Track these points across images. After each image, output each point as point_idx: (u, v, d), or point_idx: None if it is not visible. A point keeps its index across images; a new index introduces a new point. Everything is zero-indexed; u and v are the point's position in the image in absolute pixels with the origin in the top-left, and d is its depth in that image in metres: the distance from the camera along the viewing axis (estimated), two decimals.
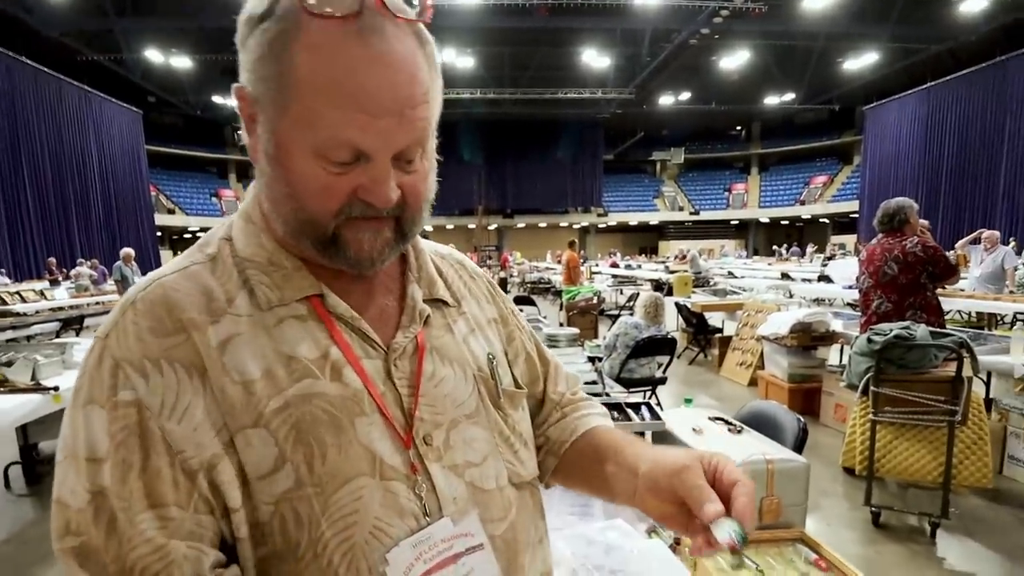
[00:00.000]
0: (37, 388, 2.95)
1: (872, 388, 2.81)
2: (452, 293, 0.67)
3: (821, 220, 31.53)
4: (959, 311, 6.25)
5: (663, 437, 1.81)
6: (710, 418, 1.83)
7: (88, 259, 13.37)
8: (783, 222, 34.18)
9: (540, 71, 24.24)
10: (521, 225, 33.85)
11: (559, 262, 12.56)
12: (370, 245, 0.52)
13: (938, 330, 2.93)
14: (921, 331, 2.77)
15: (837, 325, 4.84)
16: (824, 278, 11.14)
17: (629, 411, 1.96)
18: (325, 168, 0.48)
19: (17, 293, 8.88)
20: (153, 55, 19.68)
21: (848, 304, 7.95)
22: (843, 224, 29.51)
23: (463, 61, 21.20)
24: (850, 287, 6.85)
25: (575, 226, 34.26)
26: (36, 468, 3.70)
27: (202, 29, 18.49)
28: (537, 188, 31.72)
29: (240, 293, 0.53)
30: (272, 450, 0.48)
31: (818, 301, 8.90)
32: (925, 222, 6.98)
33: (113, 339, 0.49)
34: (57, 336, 7.22)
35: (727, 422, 1.80)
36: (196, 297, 0.51)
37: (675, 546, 1.44)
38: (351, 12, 0.45)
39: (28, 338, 6.72)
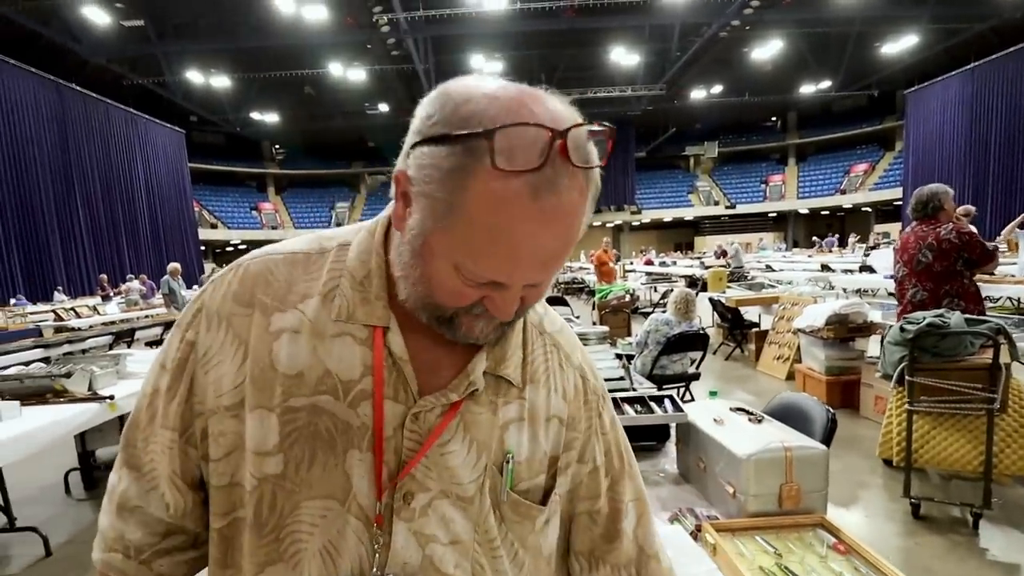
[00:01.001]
0: (94, 397, 3.11)
1: (907, 377, 2.77)
2: (523, 375, 0.64)
3: (863, 209, 30.44)
4: (1009, 298, 6.00)
5: (686, 429, 1.86)
6: (732, 409, 1.87)
7: (137, 275, 14.12)
8: (824, 212, 33.16)
9: (569, 72, 24.26)
10: None
11: (591, 262, 12.56)
12: (480, 331, 0.55)
13: (974, 317, 2.87)
14: (955, 318, 2.73)
15: (875, 316, 4.74)
16: (866, 268, 10.82)
17: (652, 404, 2.02)
18: (463, 280, 0.51)
19: (72, 309, 9.46)
20: (194, 76, 20.60)
21: (891, 294, 7.72)
22: (887, 212, 28.46)
23: (491, 66, 21.41)
24: (891, 277, 6.69)
25: (608, 225, 34.03)
26: (94, 474, 3.91)
27: (239, 49, 19.24)
28: None
29: (317, 296, 0.58)
30: (275, 437, 0.56)
31: (860, 292, 8.67)
32: (971, 208, 6.77)
33: (211, 289, 0.61)
34: (110, 348, 7.64)
35: (749, 413, 1.83)
36: (279, 284, 0.59)
37: (696, 533, 1.49)
38: (534, 167, 0.45)
39: (83, 351, 7.14)
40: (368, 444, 0.56)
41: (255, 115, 26.22)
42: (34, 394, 3.11)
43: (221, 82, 21.83)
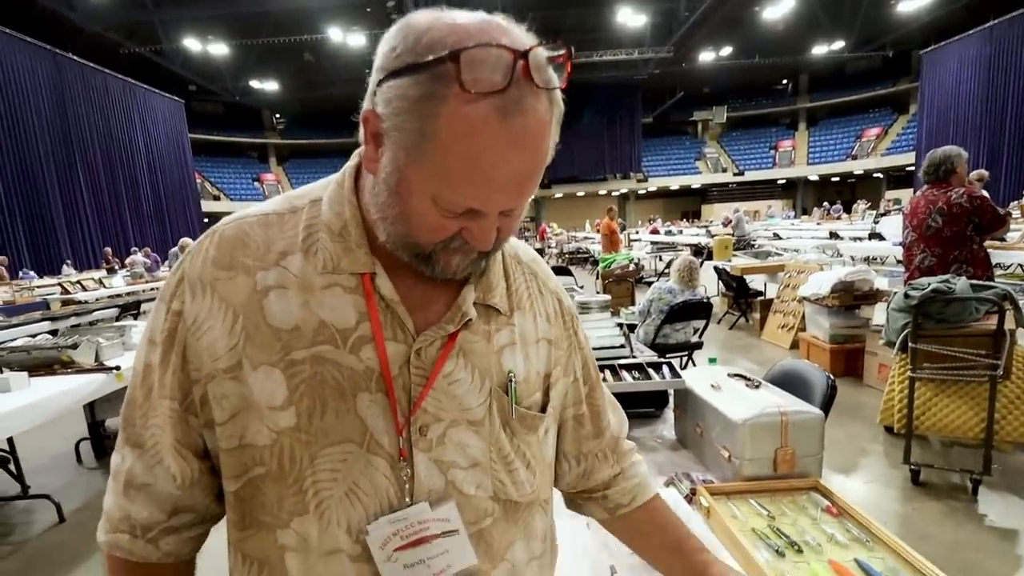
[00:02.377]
0: (101, 368, 3.15)
1: (910, 344, 2.75)
2: (509, 302, 0.68)
3: (875, 175, 29.97)
4: (1020, 265, 5.92)
5: (683, 395, 1.86)
6: (730, 375, 1.86)
7: (141, 247, 14.17)
8: (834, 179, 32.65)
9: (573, 34, 23.67)
10: (559, 195, 33.54)
11: (598, 231, 12.47)
12: (456, 265, 0.57)
13: (979, 283, 2.82)
14: (961, 284, 2.68)
15: (882, 283, 4.71)
16: (875, 235, 10.69)
17: (650, 370, 2.01)
18: (439, 211, 0.52)
19: (79, 282, 9.53)
20: (191, 43, 20.27)
21: (899, 261, 7.64)
22: (898, 178, 27.98)
23: None
24: (901, 244, 6.60)
25: (614, 193, 33.72)
26: (104, 443, 4.00)
27: (237, 15, 18.87)
28: (574, 156, 31.18)
29: (298, 252, 0.59)
30: (283, 391, 0.57)
31: (868, 260, 8.58)
32: (984, 172, 6.61)
33: (189, 259, 0.61)
34: (116, 321, 7.72)
35: (746, 379, 1.82)
36: (257, 244, 0.60)
37: (691, 496, 1.50)
38: (500, 87, 0.47)
39: (90, 324, 7.21)
40: (377, 385, 0.58)
41: (254, 83, 25.90)
42: (42, 365, 3.15)
43: (219, 49, 21.49)
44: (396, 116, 0.50)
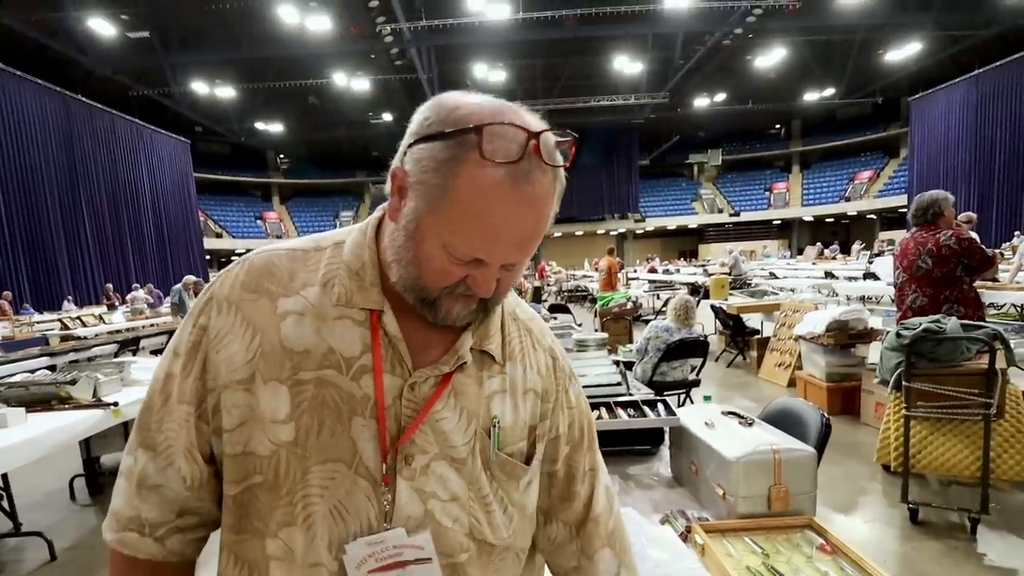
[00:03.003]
0: (98, 404, 3.13)
1: (904, 383, 2.78)
2: (503, 352, 0.72)
3: (868, 216, 30.41)
4: (1013, 304, 5.98)
5: (678, 432, 1.88)
6: (723, 413, 1.88)
7: (143, 284, 14.23)
8: (828, 220, 33.11)
9: (572, 80, 24.39)
10: (558, 234, 33.91)
11: (597, 269, 12.57)
12: (457, 313, 0.63)
13: (970, 322, 2.87)
14: (951, 324, 2.73)
15: (876, 322, 4.74)
16: (870, 275, 10.79)
17: (645, 408, 2.03)
18: (448, 258, 0.58)
19: (78, 318, 9.54)
20: (199, 86, 20.83)
21: (894, 301, 7.69)
22: (891, 219, 28.40)
23: (495, 75, 21.56)
24: (893, 284, 6.68)
25: (612, 233, 34.09)
26: (98, 479, 3.95)
27: (244, 60, 19.45)
28: (572, 197, 31.37)
29: (316, 285, 0.65)
30: (286, 407, 0.62)
31: (863, 299, 8.64)
32: (973, 215, 6.74)
33: (220, 281, 0.67)
34: (115, 357, 7.69)
35: (740, 416, 1.85)
36: (282, 274, 0.66)
37: (686, 534, 1.51)
38: (514, 159, 0.55)
39: (89, 359, 7.18)
40: (371, 412, 0.62)
41: (260, 125, 26.47)
42: (39, 401, 3.14)
43: (226, 92, 22.06)
44: (422, 172, 0.57)
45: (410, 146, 0.59)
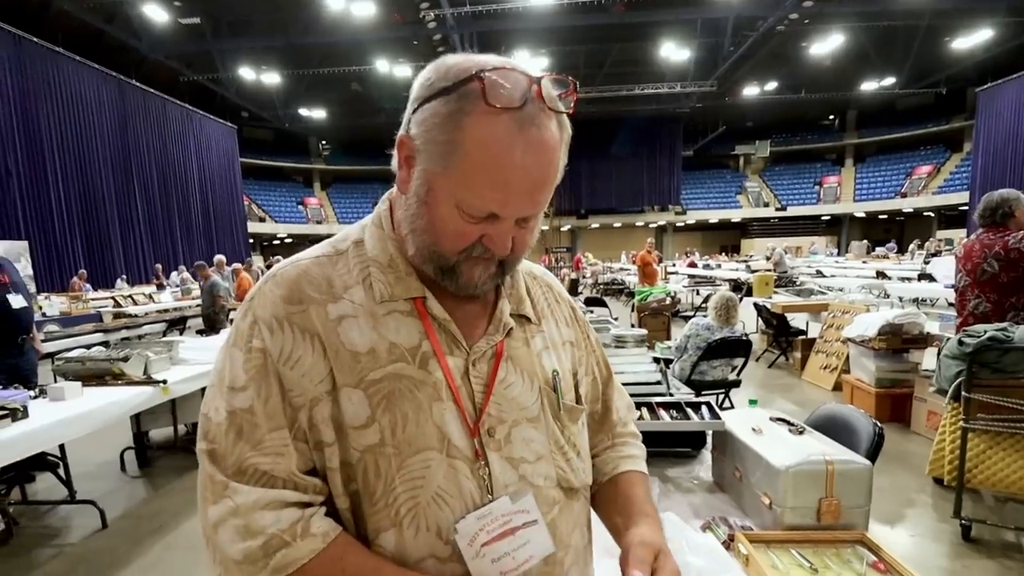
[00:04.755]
0: (149, 381, 3.30)
1: (964, 393, 2.63)
2: (536, 312, 0.76)
3: (925, 214, 28.95)
4: None
5: (722, 436, 1.82)
6: (772, 419, 1.81)
7: (189, 266, 14.77)
8: (881, 217, 31.69)
9: (616, 67, 23.93)
10: (595, 226, 33.55)
11: (635, 263, 12.39)
12: (478, 277, 0.64)
13: None
14: (1020, 332, 2.56)
15: (932, 327, 4.52)
16: (925, 276, 10.30)
17: (689, 410, 1.98)
18: (462, 217, 0.59)
19: (130, 296, 10.00)
20: (246, 73, 21.31)
21: (951, 304, 7.33)
22: (951, 218, 26.97)
23: (537, 62, 21.30)
24: (953, 286, 6.36)
25: (651, 225, 33.50)
26: (147, 453, 4.15)
27: (290, 46, 19.79)
28: (612, 187, 31.26)
29: (357, 285, 0.65)
30: (366, 410, 0.61)
31: (917, 302, 8.26)
32: None
33: (256, 302, 0.64)
34: (164, 335, 8.04)
35: (789, 423, 1.78)
36: (319, 281, 0.65)
37: (728, 543, 1.46)
38: (517, 104, 0.55)
39: (139, 337, 7.53)
40: (447, 394, 0.64)
41: (303, 111, 26.97)
42: (94, 376, 3.31)
43: (271, 79, 22.51)
44: (427, 133, 0.58)
45: (414, 112, 0.60)
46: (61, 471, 3.44)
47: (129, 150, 15.87)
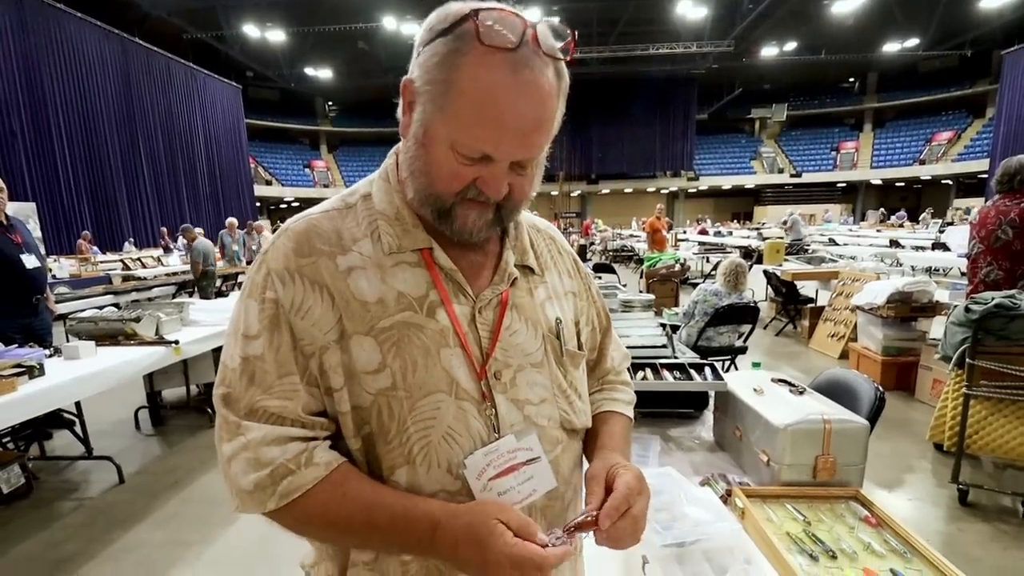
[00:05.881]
0: (161, 341, 3.36)
1: (968, 360, 2.64)
2: (539, 263, 0.79)
3: (943, 181, 28.30)
4: None
5: (724, 397, 1.85)
6: (773, 380, 1.83)
7: (195, 226, 14.79)
8: (898, 184, 31.02)
9: (630, 26, 23.22)
10: (606, 191, 33.17)
11: (644, 229, 12.30)
12: (473, 222, 0.65)
13: None
14: None
15: (942, 296, 4.48)
16: (939, 245, 10.17)
17: (692, 371, 2.00)
18: (456, 159, 0.61)
19: (139, 259, 10.08)
20: (250, 30, 20.87)
21: (963, 274, 7.25)
22: (969, 186, 26.39)
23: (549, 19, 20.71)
24: (966, 255, 6.28)
25: (663, 191, 33.07)
26: (160, 412, 4.26)
27: (295, 2, 19.30)
28: (624, 152, 30.71)
29: (366, 238, 0.68)
30: (377, 356, 0.64)
31: (929, 271, 8.17)
32: None
33: (270, 255, 0.67)
34: (173, 297, 8.14)
35: (790, 384, 1.79)
36: (329, 234, 0.67)
37: (726, 497, 1.50)
38: (512, 46, 0.56)
39: (149, 299, 7.63)
40: (454, 341, 0.67)
41: (309, 71, 26.52)
42: (107, 336, 3.37)
43: (276, 36, 22.01)
44: (427, 73, 0.60)
45: (417, 57, 0.62)
46: (78, 429, 3.54)
47: (134, 110, 15.61)
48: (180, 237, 13.34)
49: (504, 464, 0.67)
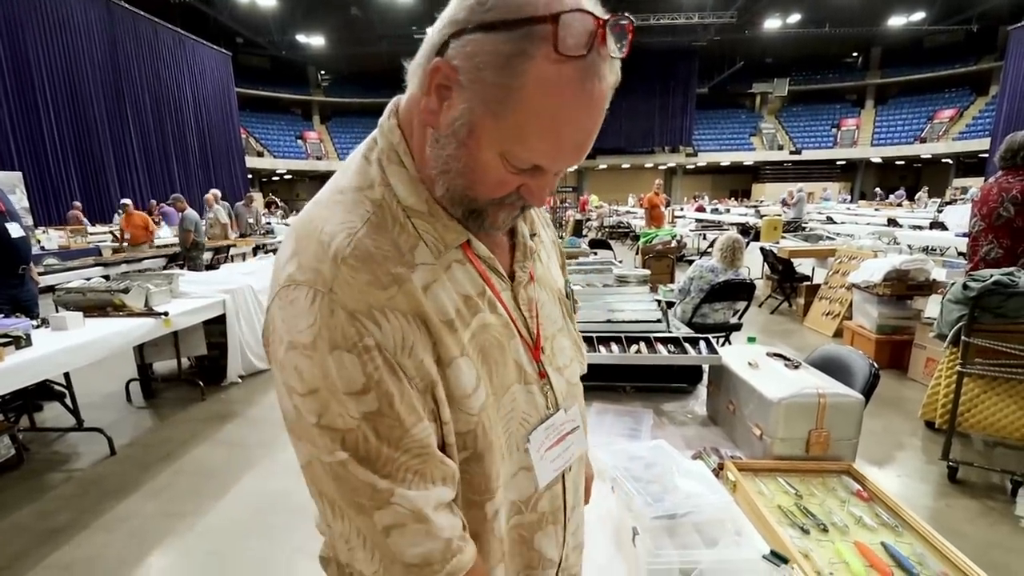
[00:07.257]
0: (150, 313, 3.32)
1: (963, 338, 2.63)
2: (538, 225, 0.81)
3: (944, 160, 28.12)
4: None
5: (718, 371, 1.83)
6: (768, 354, 1.82)
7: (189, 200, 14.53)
8: (898, 162, 30.82)
9: None
10: (603, 166, 32.84)
11: (642, 205, 12.20)
12: (502, 220, 0.63)
13: None
14: None
15: (939, 274, 4.47)
16: (937, 225, 10.14)
17: (686, 344, 1.98)
18: (505, 167, 0.56)
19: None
20: None
21: (961, 254, 7.23)
22: (969, 165, 26.23)
23: None
24: (965, 234, 6.23)
25: (661, 167, 32.80)
26: (151, 385, 4.24)
27: None
28: (622, 126, 30.23)
29: (419, 244, 0.59)
30: (473, 372, 0.62)
31: (927, 250, 8.15)
32: None
33: (340, 293, 0.54)
34: (164, 269, 8.06)
35: (785, 358, 1.78)
36: (391, 252, 0.58)
37: (718, 471, 1.49)
38: (584, 53, 0.49)
39: (139, 271, 7.56)
40: (514, 329, 0.68)
41: (300, 38, 25.85)
42: (95, 307, 3.34)
43: (267, 0, 21.41)
44: (479, 70, 0.51)
45: (456, 35, 0.51)
46: (68, 401, 3.52)
47: (120, 77, 15.09)
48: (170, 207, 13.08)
49: (555, 436, 0.72)
